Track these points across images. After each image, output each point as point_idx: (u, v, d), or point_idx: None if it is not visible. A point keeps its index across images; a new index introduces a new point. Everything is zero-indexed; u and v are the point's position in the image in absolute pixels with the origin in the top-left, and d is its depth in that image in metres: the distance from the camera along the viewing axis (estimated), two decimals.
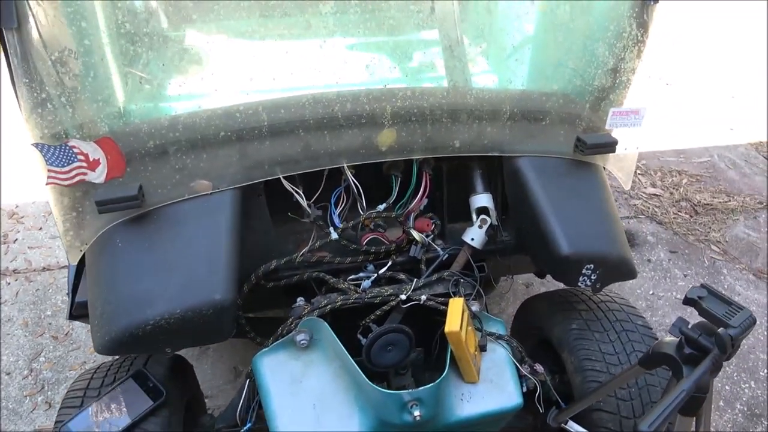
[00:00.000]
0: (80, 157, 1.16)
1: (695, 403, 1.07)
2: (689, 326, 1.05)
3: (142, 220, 1.23)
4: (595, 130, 1.42)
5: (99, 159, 1.17)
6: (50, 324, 2.34)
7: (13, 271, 2.58)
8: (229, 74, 1.36)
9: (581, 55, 1.33)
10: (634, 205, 2.97)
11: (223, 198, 1.24)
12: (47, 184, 1.17)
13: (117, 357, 1.50)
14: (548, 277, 2.13)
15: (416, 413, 1.12)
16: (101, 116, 1.21)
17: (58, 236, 2.75)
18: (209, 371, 2.14)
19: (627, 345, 1.48)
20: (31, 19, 1.09)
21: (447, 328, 1.17)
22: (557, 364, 1.56)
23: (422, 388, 1.13)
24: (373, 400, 1.16)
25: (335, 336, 1.20)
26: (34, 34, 1.11)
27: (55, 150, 1.14)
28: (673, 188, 3.06)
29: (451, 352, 1.21)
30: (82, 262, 1.37)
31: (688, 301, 1.05)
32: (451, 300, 1.23)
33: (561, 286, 1.67)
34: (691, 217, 2.88)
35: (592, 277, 1.36)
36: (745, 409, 2.02)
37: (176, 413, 1.38)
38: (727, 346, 0.97)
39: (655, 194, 3.03)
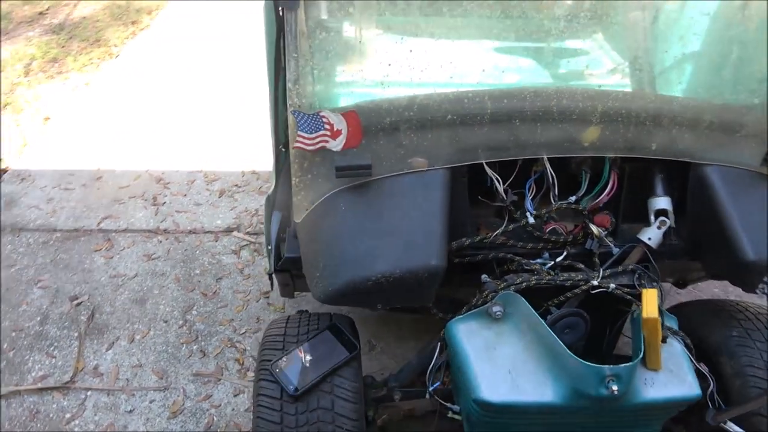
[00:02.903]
0: (327, 126, 1.31)
1: None
2: None
3: (363, 187, 1.37)
4: None
5: (341, 130, 1.32)
6: (199, 282, 2.55)
7: (164, 230, 2.82)
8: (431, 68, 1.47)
9: None
10: None
11: (437, 175, 1.37)
12: (295, 147, 1.33)
13: (298, 311, 1.67)
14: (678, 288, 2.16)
15: (614, 388, 1.20)
16: (338, 94, 1.37)
17: (202, 203, 2.99)
18: None
19: None
20: (302, 4, 1.26)
21: (645, 315, 1.25)
22: (710, 369, 1.61)
23: (622, 365, 1.22)
24: (570, 372, 1.25)
25: (533, 310, 1.31)
26: (302, 16, 1.27)
27: (308, 118, 1.29)
28: None
29: (644, 339, 1.29)
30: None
31: None
32: (645, 290, 1.31)
33: (696, 296, 1.70)
34: None
35: None
36: None
37: (360, 368, 1.52)
38: None
39: None
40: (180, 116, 3.70)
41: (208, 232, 2.82)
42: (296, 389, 1.37)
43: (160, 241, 2.76)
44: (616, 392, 1.21)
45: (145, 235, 2.80)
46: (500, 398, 1.26)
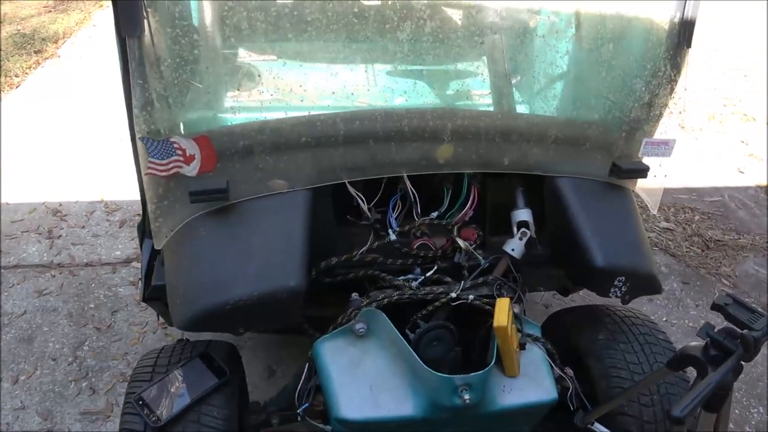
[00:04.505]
0: (178, 151, 1.31)
1: (718, 401, 1.19)
2: (715, 330, 1.18)
3: (224, 211, 1.37)
4: (629, 157, 1.57)
5: (194, 155, 1.32)
6: (93, 316, 2.46)
7: (58, 265, 2.72)
8: (283, 91, 1.49)
9: (621, 89, 1.48)
10: (648, 237, 3.11)
11: (297, 197, 1.38)
12: (146, 174, 1.31)
13: (178, 339, 1.63)
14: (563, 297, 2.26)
15: (466, 397, 1.24)
16: (190, 119, 1.37)
17: (100, 235, 2.90)
18: (245, 368, 2.24)
19: (650, 356, 1.60)
20: (147, 29, 1.25)
21: (495, 323, 1.29)
22: (581, 372, 1.68)
23: (472, 374, 1.25)
24: (427, 384, 1.28)
25: (393, 326, 1.33)
26: (148, 42, 1.27)
27: (158, 144, 1.28)
28: (686, 224, 3.21)
29: (497, 346, 1.33)
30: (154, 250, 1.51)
31: (715, 307, 1.18)
32: (498, 300, 1.36)
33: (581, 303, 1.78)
34: (703, 251, 3.02)
35: (623, 289, 1.49)
36: (754, 431, 2.13)
37: (234, 395, 1.50)
38: (751, 347, 1.10)
39: (668, 228, 3.17)
40: (81, 147, 3.60)
41: (105, 264, 2.73)
42: (159, 420, 1.34)
43: (53, 276, 2.65)
44: (468, 401, 1.24)
45: (37, 270, 2.68)
46: (359, 415, 1.27)
